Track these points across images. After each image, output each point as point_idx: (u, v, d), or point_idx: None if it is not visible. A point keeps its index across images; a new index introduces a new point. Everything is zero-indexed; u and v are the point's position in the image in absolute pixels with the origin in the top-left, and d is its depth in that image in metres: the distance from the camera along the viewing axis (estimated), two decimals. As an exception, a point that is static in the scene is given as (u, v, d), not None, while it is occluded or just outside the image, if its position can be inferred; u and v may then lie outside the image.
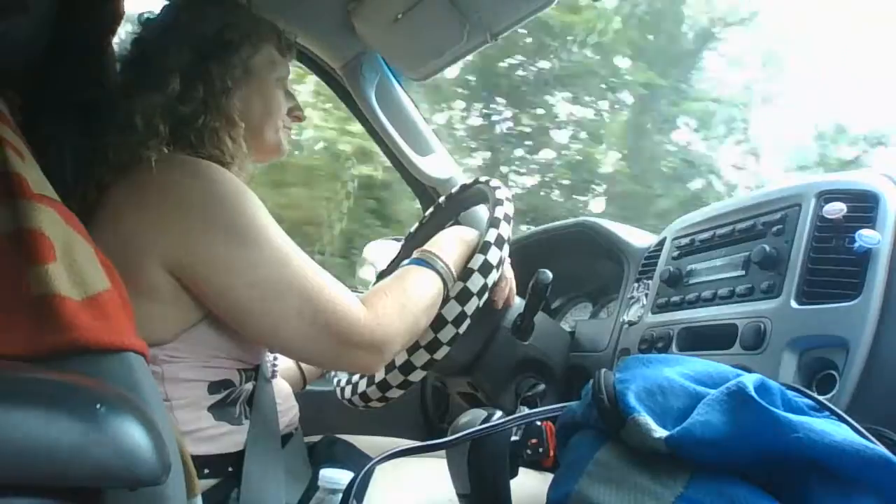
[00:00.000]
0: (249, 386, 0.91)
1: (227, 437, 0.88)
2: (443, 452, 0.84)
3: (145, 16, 0.97)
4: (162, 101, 0.88)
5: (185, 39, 0.93)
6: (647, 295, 1.18)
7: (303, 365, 1.26)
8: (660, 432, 0.60)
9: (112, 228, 0.81)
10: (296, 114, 1.06)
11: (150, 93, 0.88)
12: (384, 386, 1.03)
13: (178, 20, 0.96)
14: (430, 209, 1.35)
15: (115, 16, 0.92)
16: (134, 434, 0.46)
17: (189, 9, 0.98)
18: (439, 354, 0.99)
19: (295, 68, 1.17)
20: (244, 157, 0.98)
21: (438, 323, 0.97)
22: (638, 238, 1.34)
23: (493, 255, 1.01)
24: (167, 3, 1.02)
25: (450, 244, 1.03)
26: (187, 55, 0.92)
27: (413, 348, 0.98)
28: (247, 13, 1.02)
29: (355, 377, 1.12)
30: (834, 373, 0.83)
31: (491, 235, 1.03)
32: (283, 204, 3.84)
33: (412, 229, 1.37)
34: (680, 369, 0.68)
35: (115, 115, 0.87)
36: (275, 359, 1.00)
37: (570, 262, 1.44)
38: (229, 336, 0.86)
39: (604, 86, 4.66)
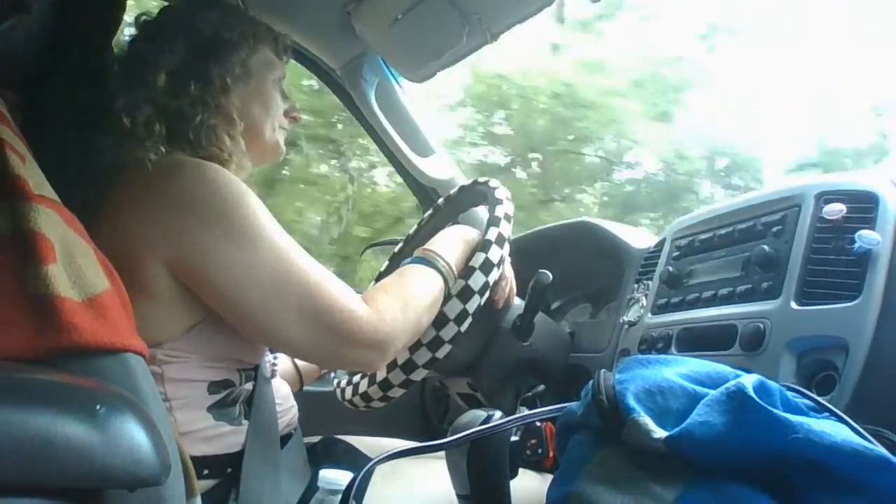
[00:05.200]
0: (249, 386, 0.91)
1: (227, 438, 0.88)
2: (442, 453, 0.84)
3: (143, 18, 0.97)
4: (148, 96, 0.88)
5: (179, 38, 0.93)
6: (646, 295, 1.18)
7: (300, 366, 1.26)
8: (659, 433, 0.60)
9: (112, 228, 0.81)
10: (292, 115, 1.06)
11: (136, 89, 0.89)
12: (386, 385, 1.03)
13: (175, 20, 0.96)
14: (429, 211, 1.35)
15: (116, 16, 0.92)
16: (134, 434, 0.46)
17: (185, 10, 0.98)
18: (441, 353, 0.99)
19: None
20: (242, 156, 0.98)
21: (440, 321, 0.97)
22: (638, 238, 1.34)
23: (494, 253, 1.01)
24: (165, 4, 1.02)
25: (450, 243, 1.03)
26: (181, 53, 0.92)
27: (415, 346, 0.98)
28: (243, 15, 1.03)
29: (356, 377, 1.12)
30: (833, 374, 0.83)
31: (491, 234, 1.03)
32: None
33: (411, 231, 1.37)
34: (679, 370, 0.68)
35: (107, 115, 0.87)
36: (275, 358, 1.00)
37: (569, 263, 1.44)
38: (229, 336, 0.86)
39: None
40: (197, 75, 0.92)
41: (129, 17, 0.97)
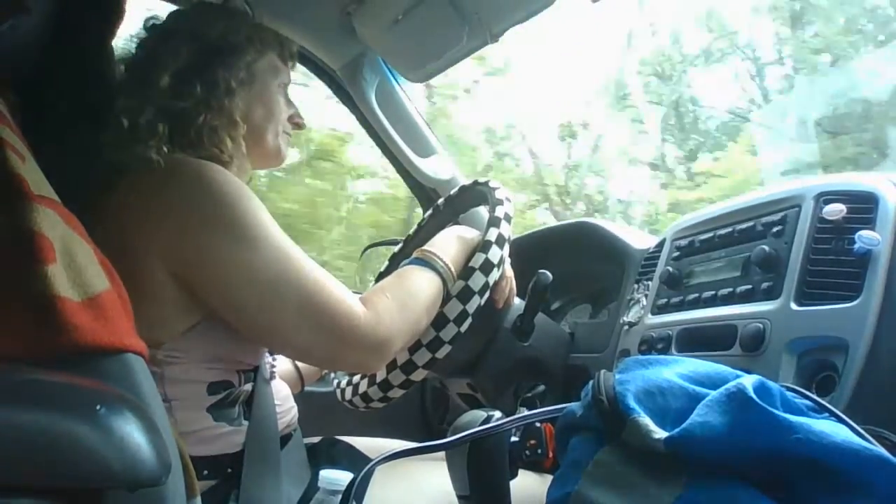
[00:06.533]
0: (248, 387, 0.92)
1: (226, 438, 0.88)
2: (442, 454, 0.84)
3: (151, 21, 0.98)
4: (152, 97, 0.89)
5: (186, 41, 0.94)
6: (646, 296, 1.18)
7: (300, 367, 1.26)
8: (659, 433, 0.60)
9: (112, 228, 0.81)
10: (296, 120, 1.07)
11: (141, 90, 0.89)
12: (386, 385, 1.03)
13: (181, 24, 0.97)
14: (429, 212, 1.35)
15: (116, 16, 0.93)
16: (134, 435, 0.46)
17: (194, 13, 1.00)
18: (441, 353, 0.99)
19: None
20: (243, 158, 0.99)
21: (440, 321, 0.97)
22: (638, 239, 1.34)
23: (494, 254, 1.01)
24: (175, 8, 1.04)
25: (449, 243, 1.04)
26: (187, 55, 0.93)
27: (415, 347, 0.98)
28: (250, 20, 1.04)
29: (356, 377, 1.12)
30: (833, 374, 0.83)
31: (492, 234, 1.03)
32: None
33: (410, 232, 1.38)
34: (679, 370, 0.68)
35: (111, 115, 0.88)
36: (273, 360, 1.00)
37: (569, 264, 1.44)
38: (229, 337, 0.86)
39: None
40: (202, 77, 0.93)
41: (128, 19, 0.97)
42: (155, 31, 0.97)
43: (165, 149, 0.87)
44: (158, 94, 0.89)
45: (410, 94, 1.71)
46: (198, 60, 0.93)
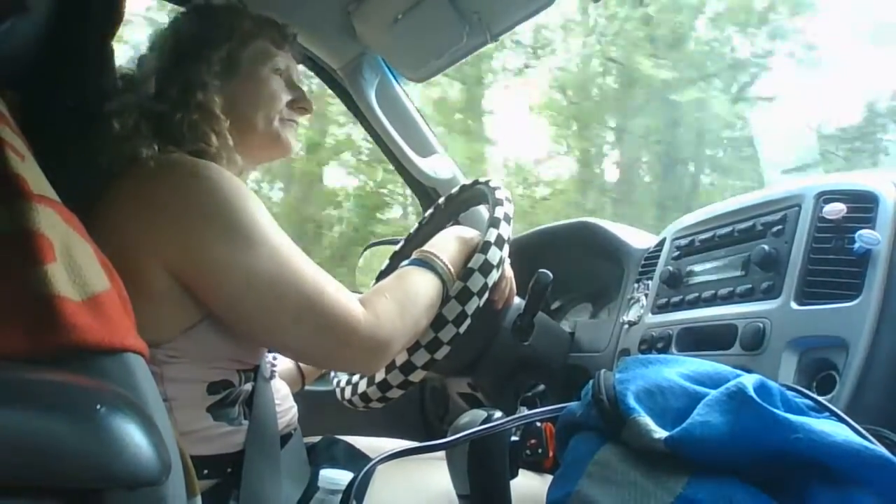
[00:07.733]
0: (248, 386, 0.91)
1: (226, 438, 0.88)
2: (443, 453, 0.84)
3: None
4: (135, 100, 0.89)
5: (165, 43, 0.95)
6: (646, 295, 1.18)
7: (302, 365, 1.26)
8: (659, 433, 0.60)
9: (111, 228, 0.81)
10: (300, 105, 1.04)
11: (126, 94, 0.90)
12: (384, 386, 1.03)
13: (165, 25, 0.98)
14: (430, 210, 1.35)
15: (116, 16, 0.93)
16: (134, 434, 0.46)
17: (178, 14, 1.00)
18: (440, 354, 0.99)
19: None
20: (232, 151, 0.96)
21: (439, 322, 0.97)
22: (638, 238, 1.34)
23: (494, 255, 1.01)
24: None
25: (449, 244, 1.03)
26: (164, 56, 0.94)
27: (413, 348, 0.98)
28: (229, 11, 1.02)
29: (355, 377, 1.12)
30: (833, 373, 0.83)
31: (491, 235, 1.03)
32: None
33: (411, 231, 1.38)
34: (679, 370, 0.68)
35: (97, 119, 0.88)
36: (274, 359, 1.00)
37: (569, 263, 1.44)
38: (228, 336, 0.86)
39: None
40: (177, 77, 0.92)
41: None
42: (149, 38, 0.98)
43: (155, 146, 0.86)
44: (142, 98, 0.90)
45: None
46: (172, 60, 0.94)
